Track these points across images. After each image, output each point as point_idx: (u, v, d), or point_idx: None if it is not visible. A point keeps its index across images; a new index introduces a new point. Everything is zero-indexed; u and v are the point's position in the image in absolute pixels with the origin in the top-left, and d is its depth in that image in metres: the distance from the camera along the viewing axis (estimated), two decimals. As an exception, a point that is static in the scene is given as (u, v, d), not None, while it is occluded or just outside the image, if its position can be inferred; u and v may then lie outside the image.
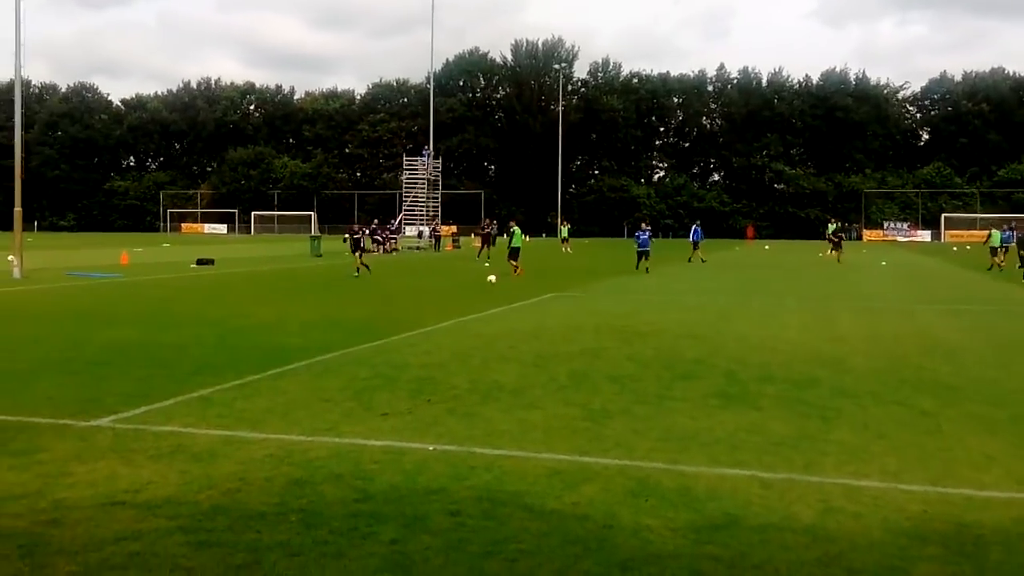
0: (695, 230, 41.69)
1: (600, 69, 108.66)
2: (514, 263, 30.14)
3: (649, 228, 34.87)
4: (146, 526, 5.31)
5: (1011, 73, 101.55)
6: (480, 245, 44.02)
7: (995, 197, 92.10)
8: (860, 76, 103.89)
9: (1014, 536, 5.34)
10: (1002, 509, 5.83)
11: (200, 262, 34.45)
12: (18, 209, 29.42)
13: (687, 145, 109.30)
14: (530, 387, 9.86)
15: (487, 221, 47.80)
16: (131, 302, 19.90)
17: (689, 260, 39.28)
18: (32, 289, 23.07)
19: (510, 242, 31.65)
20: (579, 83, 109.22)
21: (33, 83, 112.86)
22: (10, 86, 39.92)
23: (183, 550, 4.93)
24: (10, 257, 27.84)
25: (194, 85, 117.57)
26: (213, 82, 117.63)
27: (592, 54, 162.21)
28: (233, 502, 5.77)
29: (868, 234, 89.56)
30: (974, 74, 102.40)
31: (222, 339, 13.59)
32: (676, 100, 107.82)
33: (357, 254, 29.77)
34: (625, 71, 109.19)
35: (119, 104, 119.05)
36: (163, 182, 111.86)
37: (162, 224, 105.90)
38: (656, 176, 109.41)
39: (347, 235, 31.74)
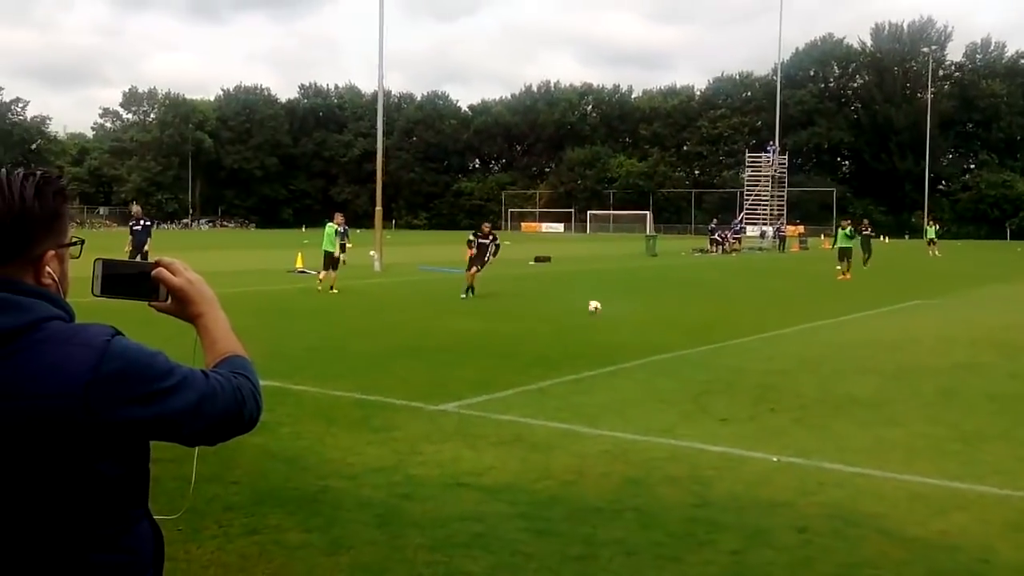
0: None
1: (979, 50, 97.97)
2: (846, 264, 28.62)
3: None
4: (488, 509, 5.46)
5: None
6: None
7: None
8: None
9: None
10: None
11: (537, 259, 35.87)
12: (378, 209, 32.58)
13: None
14: (890, 402, 8.97)
15: (863, 222, 37.37)
16: (474, 295, 21.09)
17: None
18: (389, 281, 25.30)
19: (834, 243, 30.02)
20: (952, 67, 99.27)
21: (393, 93, 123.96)
22: (374, 97, 44.32)
23: (522, 536, 5.00)
24: (371, 252, 30.82)
25: (534, 88, 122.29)
26: (552, 84, 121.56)
27: (968, 34, 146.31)
28: (569, 494, 5.78)
29: None
30: None
31: (557, 334, 13.89)
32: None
33: (474, 269, 20.44)
34: (1010, 51, 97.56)
35: (467, 110, 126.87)
36: (505, 183, 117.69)
37: (503, 223, 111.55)
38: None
39: (471, 238, 21.21)
